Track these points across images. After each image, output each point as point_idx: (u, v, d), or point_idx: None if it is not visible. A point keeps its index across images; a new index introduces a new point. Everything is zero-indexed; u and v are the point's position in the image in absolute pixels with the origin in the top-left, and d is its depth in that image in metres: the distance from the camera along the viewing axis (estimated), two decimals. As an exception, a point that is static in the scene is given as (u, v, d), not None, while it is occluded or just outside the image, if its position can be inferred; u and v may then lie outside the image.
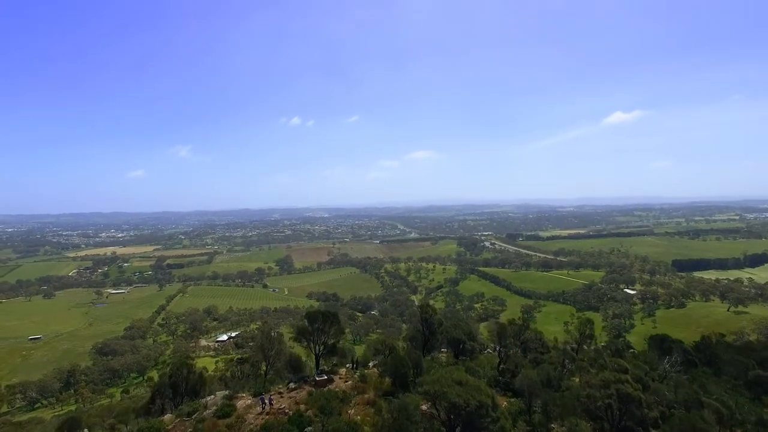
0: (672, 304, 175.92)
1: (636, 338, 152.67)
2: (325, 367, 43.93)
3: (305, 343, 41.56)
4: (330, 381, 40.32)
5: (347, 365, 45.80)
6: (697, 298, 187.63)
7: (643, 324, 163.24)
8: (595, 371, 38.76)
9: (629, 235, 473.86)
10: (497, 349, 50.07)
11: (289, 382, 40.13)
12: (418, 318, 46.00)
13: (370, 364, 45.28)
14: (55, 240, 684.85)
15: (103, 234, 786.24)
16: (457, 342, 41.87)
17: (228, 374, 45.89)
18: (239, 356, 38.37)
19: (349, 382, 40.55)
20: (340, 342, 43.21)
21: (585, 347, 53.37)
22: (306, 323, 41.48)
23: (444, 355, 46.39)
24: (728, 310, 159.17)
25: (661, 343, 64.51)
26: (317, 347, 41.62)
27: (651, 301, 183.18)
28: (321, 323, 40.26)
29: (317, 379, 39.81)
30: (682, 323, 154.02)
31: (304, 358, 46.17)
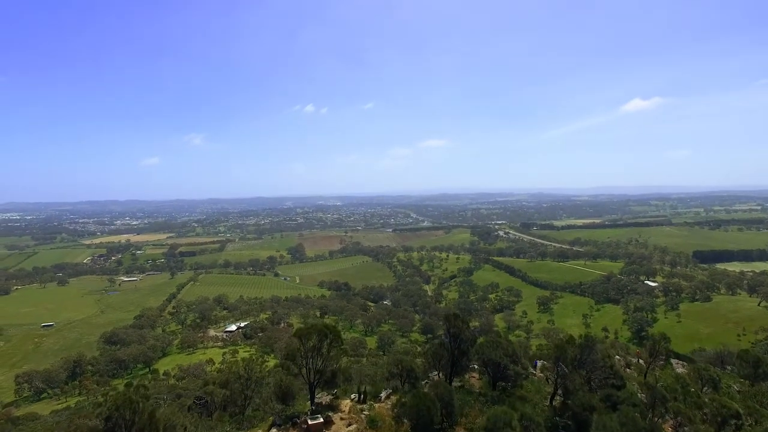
0: (696, 297, 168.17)
1: (659, 332, 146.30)
2: (324, 396, 34.67)
3: (295, 370, 31.02)
4: (327, 423, 31.59)
5: (351, 395, 36.14)
6: (722, 291, 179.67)
7: (666, 318, 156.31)
8: (689, 408, 29.80)
9: (647, 225, 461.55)
10: (536, 364, 39.87)
11: (271, 426, 30.83)
12: (444, 329, 35.85)
13: (383, 394, 35.05)
14: (71, 227, 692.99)
15: (118, 221, 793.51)
16: (497, 366, 31.82)
17: (202, 401, 37.11)
18: (198, 397, 28.56)
19: (354, 425, 31.88)
20: (343, 362, 32.73)
21: (657, 370, 40.60)
22: (297, 343, 30.99)
23: (476, 378, 36.61)
24: (759, 305, 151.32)
25: (756, 366, 46.66)
26: (312, 374, 31.20)
27: (674, 293, 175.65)
28: (317, 342, 30.10)
29: (309, 422, 30.92)
30: (708, 318, 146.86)
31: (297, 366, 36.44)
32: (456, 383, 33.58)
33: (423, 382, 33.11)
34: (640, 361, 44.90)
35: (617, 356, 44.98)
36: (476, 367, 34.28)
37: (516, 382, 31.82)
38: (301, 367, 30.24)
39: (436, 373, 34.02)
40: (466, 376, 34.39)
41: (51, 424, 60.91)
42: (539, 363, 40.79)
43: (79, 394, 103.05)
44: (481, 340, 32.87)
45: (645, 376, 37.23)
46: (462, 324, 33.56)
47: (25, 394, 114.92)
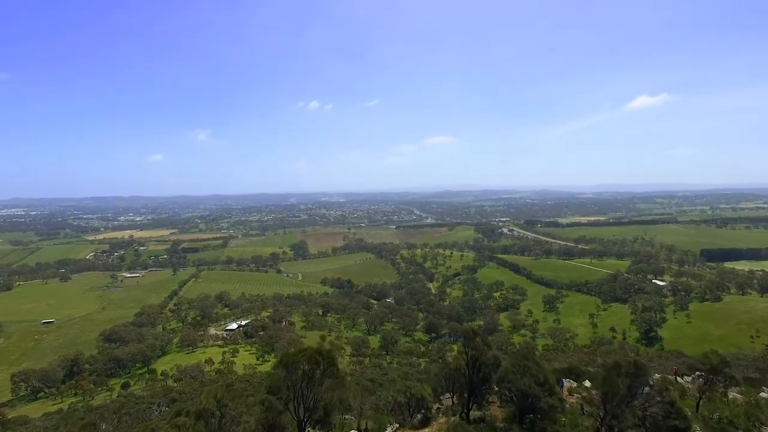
0: (707, 297, 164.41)
1: (668, 333, 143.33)
2: None
3: (281, 406, 23.45)
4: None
5: None
6: (732, 290, 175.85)
7: (675, 318, 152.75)
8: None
9: (653, 222, 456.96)
10: (561, 384, 33.66)
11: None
12: (462, 351, 29.11)
13: (388, 430, 28.06)
14: (75, 223, 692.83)
15: (122, 217, 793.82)
16: (525, 396, 25.86)
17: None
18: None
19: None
20: (339, 395, 24.24)
21: (715, 399, 31.20)
22: (282, 371, 23.80)
23: (496, 405, 30.06)
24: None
25: None
26: (301, 409, 23.84)
27: (683, 293, 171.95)
28: (308, 369, 23.57)
29: None
30: (719, 318, 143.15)
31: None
32: (474, 412, 28.71)
33: (435, 408, 28.63)
34: (678, 379, 39.78)
35: (656, 374, 38.66)
36: (496, 388, 29.19)
37: (548, 415, 26.26)
38: (288, 401, 23.71)
39: (448, 396, 29.69)
40: (484, 402, 29.18)
41: (40, 429, 58.73)
42: (566, 383, 36.14)
43: (75, 394, 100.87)
44: (504, 362, 27.54)
45: (698, 406, 29.86)
46: (483, 345, 27.96)
47: (21, 393, 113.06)
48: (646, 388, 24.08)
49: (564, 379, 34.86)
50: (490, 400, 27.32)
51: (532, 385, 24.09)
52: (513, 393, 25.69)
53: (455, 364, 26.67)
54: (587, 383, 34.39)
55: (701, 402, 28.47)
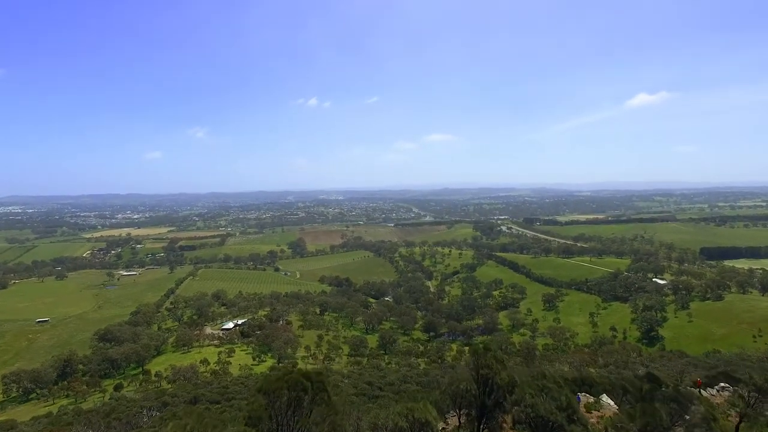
0: (708, 296, 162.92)
1: (670, 332, 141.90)
2: None
3: None
4: None
5: None
6: (733, 289, 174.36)
7: (677, 317, 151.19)
8: None
9: (652, 220, 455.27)
10: (578, 400, 29.96)
11: None
12: (470, 369, 25.98)
13: None
14: (72, 221, 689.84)
15: (120, 215, 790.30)
16: (545, 422, 22.79)
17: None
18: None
19: None
20: (334, 419, 19.77)
21: (758, 422, 25.98)
22: (263, 399, 19.33)
23: (507, 425, 26.62)
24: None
25: None
26: None
27: (684, 292, 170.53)
28: (293, 396, 19.18)
29: None
30: (721, 318, 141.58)
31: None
32: (487, 437, 25.75)
33: (440, 429, 25.88)
34: (702, 392, 36.73)
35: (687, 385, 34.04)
36: (506, 405, 25.22)
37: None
38: (271, 432, 19.21)
39: (454, 414, 27.01)
40: (495, 425, 25.31)
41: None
42: (582, 398, 32.97)
43: (67, 396, 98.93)
44: (519, 378, 24.35)
45: (737, 430, 26.20)
46: (495, 364, 24.31)
47: (13, 395, 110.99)
48: (687, 416, 21.61)
49: (580, 394, 32.04)
50: (502, 419, 24.45)
51: (553, 411, 21.06)
52: (531, 418, 23.04)
53: (464, 385, 23.71)
54: (605, 398, 32.21)
55: (741, 426, 25.46)
